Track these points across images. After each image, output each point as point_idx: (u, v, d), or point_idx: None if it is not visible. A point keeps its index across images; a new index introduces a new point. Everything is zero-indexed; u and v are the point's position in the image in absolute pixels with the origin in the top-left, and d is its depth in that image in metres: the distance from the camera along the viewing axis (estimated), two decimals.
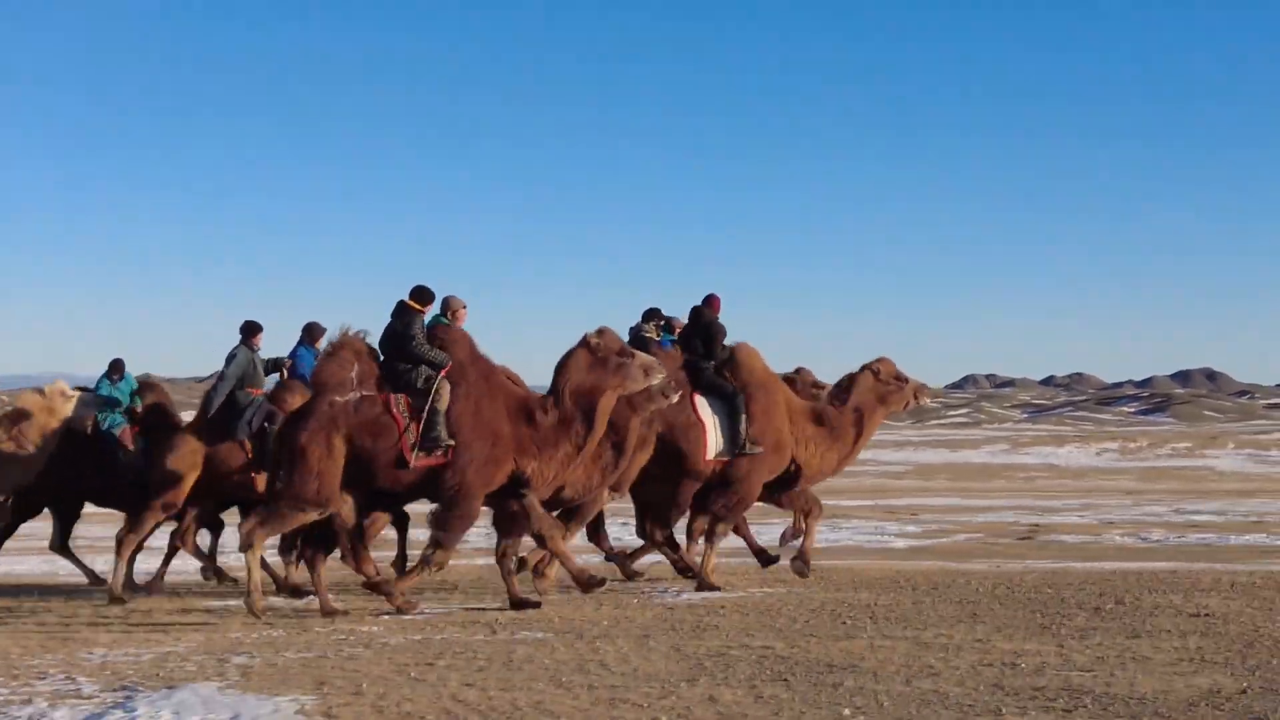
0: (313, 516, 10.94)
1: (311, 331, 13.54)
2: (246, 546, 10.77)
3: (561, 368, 11.42)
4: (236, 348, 13.17)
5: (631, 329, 12.99)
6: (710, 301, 13.09)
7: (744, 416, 12.53)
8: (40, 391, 13.59)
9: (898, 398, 13.51)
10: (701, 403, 12.56)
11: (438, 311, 11.51)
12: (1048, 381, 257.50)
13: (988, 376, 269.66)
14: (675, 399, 11.84)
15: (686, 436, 12.44)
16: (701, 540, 12.86)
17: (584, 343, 11.44)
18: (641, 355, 11.59)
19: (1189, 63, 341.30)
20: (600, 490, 12.09)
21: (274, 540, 12.09)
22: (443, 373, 11.06)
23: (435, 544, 11.08)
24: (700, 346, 12.85)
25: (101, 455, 13.39)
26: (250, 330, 13.28)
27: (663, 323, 13.26)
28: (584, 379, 11.29)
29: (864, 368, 13.65)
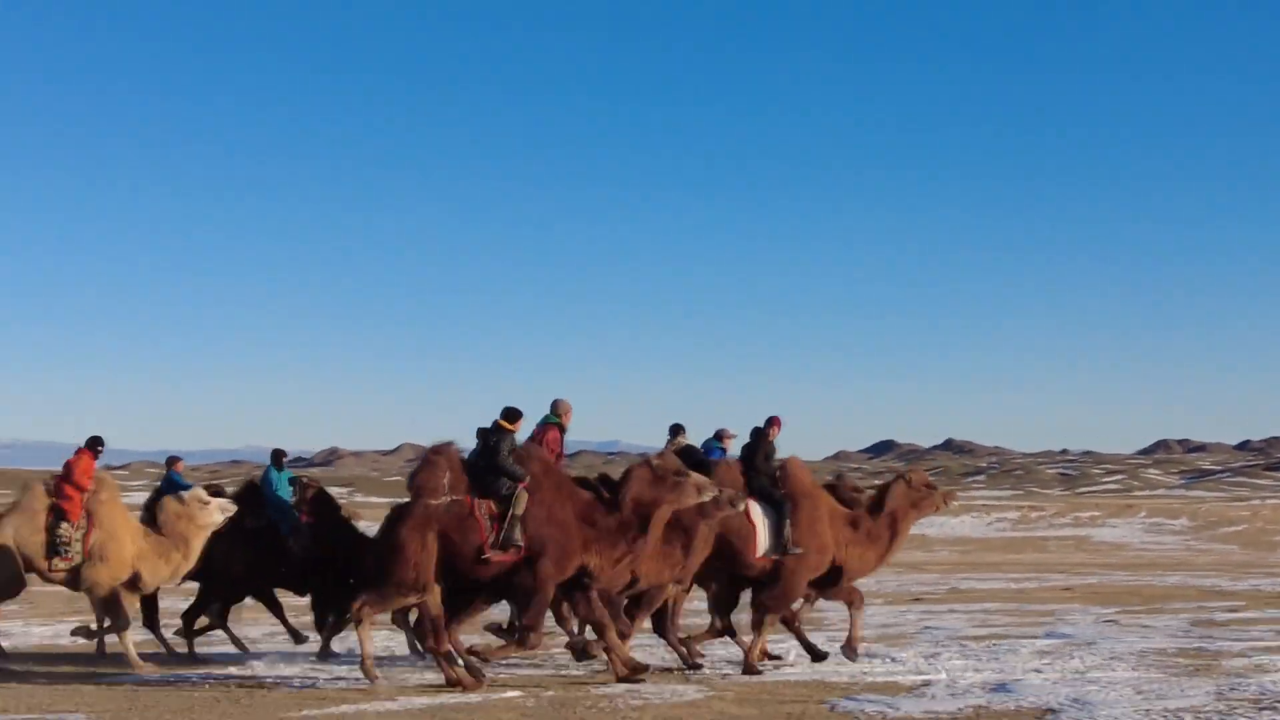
0: (411, 600, 13.17)
1: (277, 457, 16.27)
2: (358, 622, 13.02)
3: (625, 479, 13.58)
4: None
5: (681, 447, 14.97)
6: (772, 422, 15.15)
7: (788, 522, 14.66)
8: (179, 499, 15.20)
9: (928, 503, 15.60)
10: (754, 507, 14.56)
11: (548, 413, 14.37)
12: (1243, 446, 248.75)
13: (1180, 441, 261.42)
14: (741, 508, 13.99)
15: (740, 536, 14.55)
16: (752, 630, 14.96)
17: (646, 462, 13.67)
18: (695, 475, 13.69)
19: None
20: (668, 580, 14.22)
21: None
22: (521, 485, 13.25)
23: (527, 628, 13.16)
24: (755, 461, 14.90)
25: (275, 546, 15.75)
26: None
27: (683, 435, 15.26)
28: (644, 492, 13.43)
29: (898, 476, 15.72)
